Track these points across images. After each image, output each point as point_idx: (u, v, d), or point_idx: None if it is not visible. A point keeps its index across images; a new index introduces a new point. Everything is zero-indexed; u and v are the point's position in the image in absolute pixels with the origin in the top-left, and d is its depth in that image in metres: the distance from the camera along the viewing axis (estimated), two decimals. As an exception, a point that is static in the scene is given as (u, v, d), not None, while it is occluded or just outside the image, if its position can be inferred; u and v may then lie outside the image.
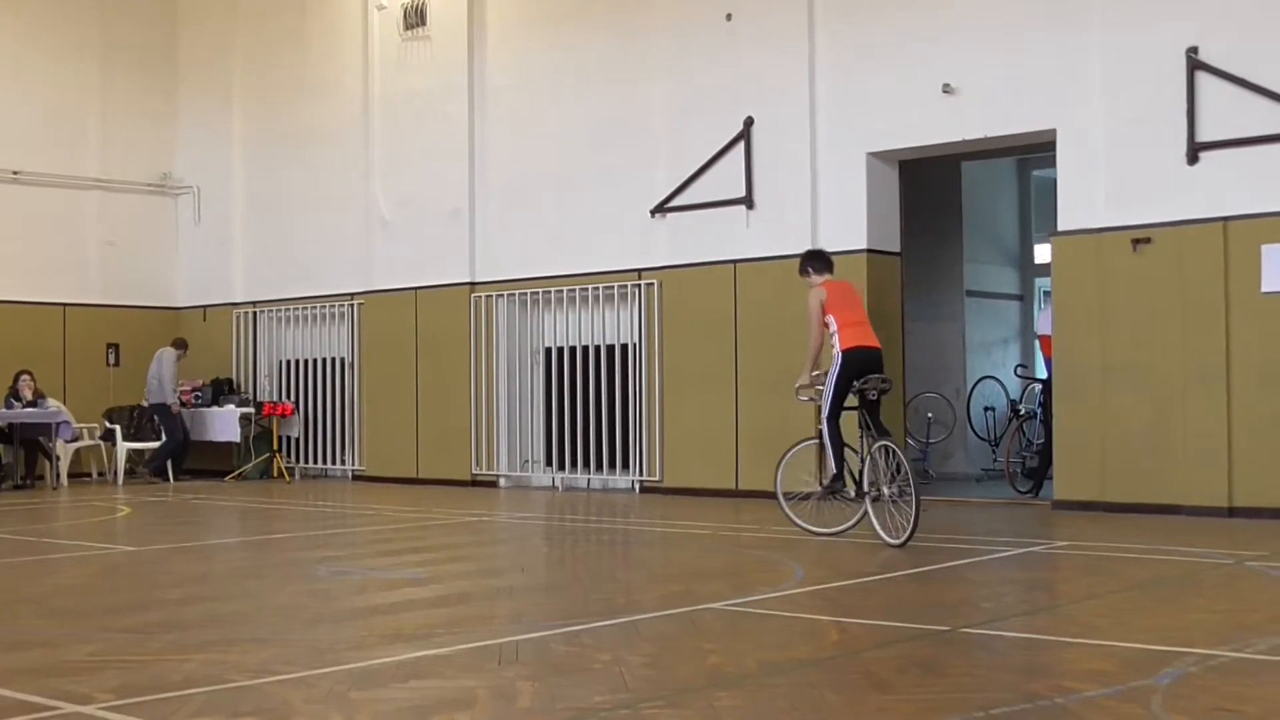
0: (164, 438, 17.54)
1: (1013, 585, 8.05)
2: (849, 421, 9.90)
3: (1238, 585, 7.81)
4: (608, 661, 5.46)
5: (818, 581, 7.93)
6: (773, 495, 10.43)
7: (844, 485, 9.91)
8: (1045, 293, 15.98)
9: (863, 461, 9.79)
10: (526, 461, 16.10)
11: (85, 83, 18.79)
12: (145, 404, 17.86)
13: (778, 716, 4.58)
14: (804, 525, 10.10)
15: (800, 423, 12.22)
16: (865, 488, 9.70)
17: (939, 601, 7.17)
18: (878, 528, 9.51)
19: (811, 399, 10.16)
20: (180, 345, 17.89)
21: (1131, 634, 5.97)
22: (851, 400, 9.85)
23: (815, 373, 10.04)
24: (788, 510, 10.22)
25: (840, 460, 9.85)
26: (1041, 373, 14.82)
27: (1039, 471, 13.28)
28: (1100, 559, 8.95)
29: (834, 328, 9.86)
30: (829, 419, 9.80)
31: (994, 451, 15.94)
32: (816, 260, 10.35)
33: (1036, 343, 15.93)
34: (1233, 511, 11.13)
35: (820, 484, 10.18)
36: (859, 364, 9.73)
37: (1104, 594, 7.34)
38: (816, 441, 10.22)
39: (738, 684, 5.09)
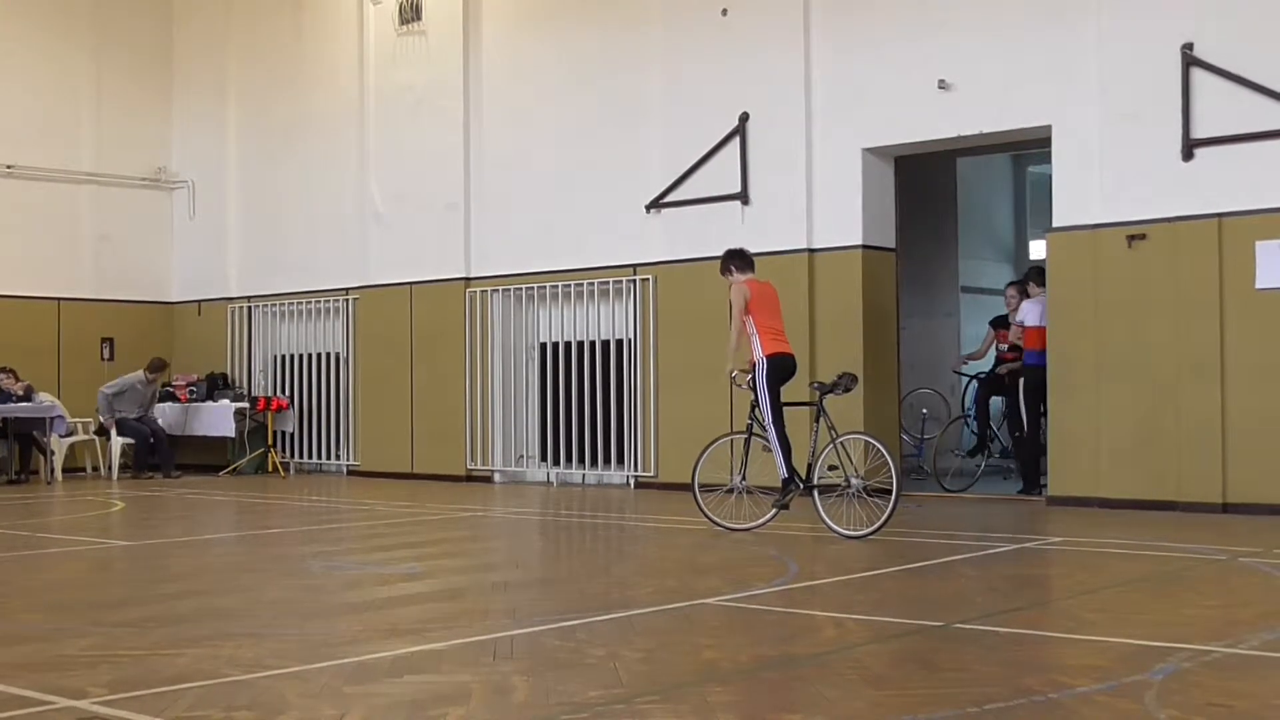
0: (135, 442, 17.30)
1: (1007, 581, 8.05)
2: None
3: (1231, 581, 7.82)
4: (602, 656, 5.46)
5: (812, 577, 7.94)
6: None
7: (799, 486, 9.93)
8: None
9: (813, 455, 9.88)
10: (521, 457, 16.10)
11: (79, 76, 18.75)
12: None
13: (772, 712, 4.58)
14: (719, 522, 10.15)
15: (797, 417, 12.19)
16: (815, 480, 9.84)
17: (933, 597, 7.17)
18: (828, 520, 9.63)
19: (748, 386, 10.15)
20: (155, 368, 17.49)
21: (1125, 629, 5.97)
22: (811, 396, 10.06)
23: (744, 368, 10.19)
24: (703, 506, 10.25)
25: (790, 462, 9.92)
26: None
27: (1025, 463, 13.20)
28: (1094, 554, 8.97)
29: (753, 329, 10.02)
30: (774, 423, 9.91)
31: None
32: (739, 259, 10.43)
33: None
34: (1227, 507, 11.14)
35: (739, 478, 10.24)
36: (784, 369, 10.04)
37: (1098, 589, 7.35)
38: (742, 436, 10.32)
39: (732, 679, 5.10)
